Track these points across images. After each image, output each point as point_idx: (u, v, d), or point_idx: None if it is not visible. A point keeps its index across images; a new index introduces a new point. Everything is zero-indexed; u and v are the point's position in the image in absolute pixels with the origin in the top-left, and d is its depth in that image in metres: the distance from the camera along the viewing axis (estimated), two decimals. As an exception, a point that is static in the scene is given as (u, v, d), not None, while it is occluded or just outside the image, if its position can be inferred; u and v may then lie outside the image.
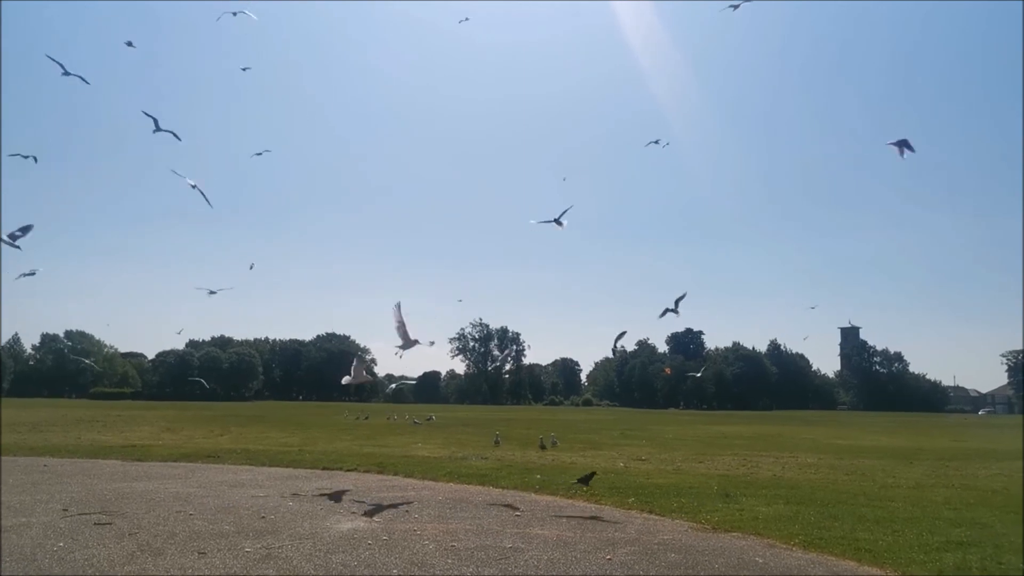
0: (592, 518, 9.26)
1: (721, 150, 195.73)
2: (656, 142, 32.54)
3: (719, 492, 11.34)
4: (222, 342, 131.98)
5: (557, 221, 15.50)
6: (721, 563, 6.98)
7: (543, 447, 20.15)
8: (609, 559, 7.03)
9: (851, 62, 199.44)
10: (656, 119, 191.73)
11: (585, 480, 12.11)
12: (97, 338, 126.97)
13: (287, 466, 15.03)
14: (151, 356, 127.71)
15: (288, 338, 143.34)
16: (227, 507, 9.67)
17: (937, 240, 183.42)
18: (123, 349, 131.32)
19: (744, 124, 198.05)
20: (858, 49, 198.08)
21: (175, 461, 15.62)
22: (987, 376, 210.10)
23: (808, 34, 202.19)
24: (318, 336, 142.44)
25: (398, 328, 11.97)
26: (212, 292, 14.49)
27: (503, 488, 12.01)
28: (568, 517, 9.35)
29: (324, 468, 14.65)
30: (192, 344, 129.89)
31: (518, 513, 9.61)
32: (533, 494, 11.42)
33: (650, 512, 9.84)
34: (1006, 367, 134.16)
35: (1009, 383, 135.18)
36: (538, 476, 13.22)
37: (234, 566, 6.53)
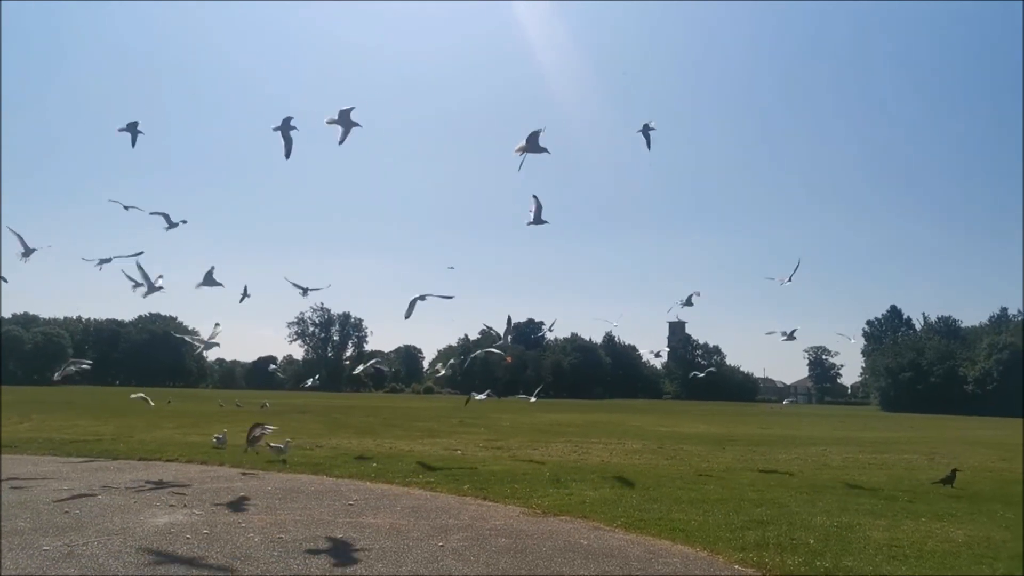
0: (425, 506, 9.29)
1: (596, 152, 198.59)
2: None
3: (550, 478, 11.74)
4: (25, 319, 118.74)
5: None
6: (548, 546, 7.24)
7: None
8: (441, 545, 7.09)
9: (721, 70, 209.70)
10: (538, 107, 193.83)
11: (948, 480, 12.30)
12: None
13: (98, 457, 13.84)
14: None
15: (105, 318, 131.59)
16: (24, 502, 8.76)
17: (753, 247, 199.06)
18: None
19: (626, 127, 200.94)
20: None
21: (-39, 452, 13.90)
22: (791, 369, 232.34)
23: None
24: (140, 316, 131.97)
25: None
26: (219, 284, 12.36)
27: (337, 477, 11.75)
28: (403, 506, 9.33)
29: (141, 459, 13.63)
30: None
31: (351, 503, 9.46)
32: (368, 483, 11.27)
33: (484, 499, 10.02)
34: (807, 361, 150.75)
35: (809, 376, 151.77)
36: (374, 464, 13.07)
37: (28, 566, 5.92)
